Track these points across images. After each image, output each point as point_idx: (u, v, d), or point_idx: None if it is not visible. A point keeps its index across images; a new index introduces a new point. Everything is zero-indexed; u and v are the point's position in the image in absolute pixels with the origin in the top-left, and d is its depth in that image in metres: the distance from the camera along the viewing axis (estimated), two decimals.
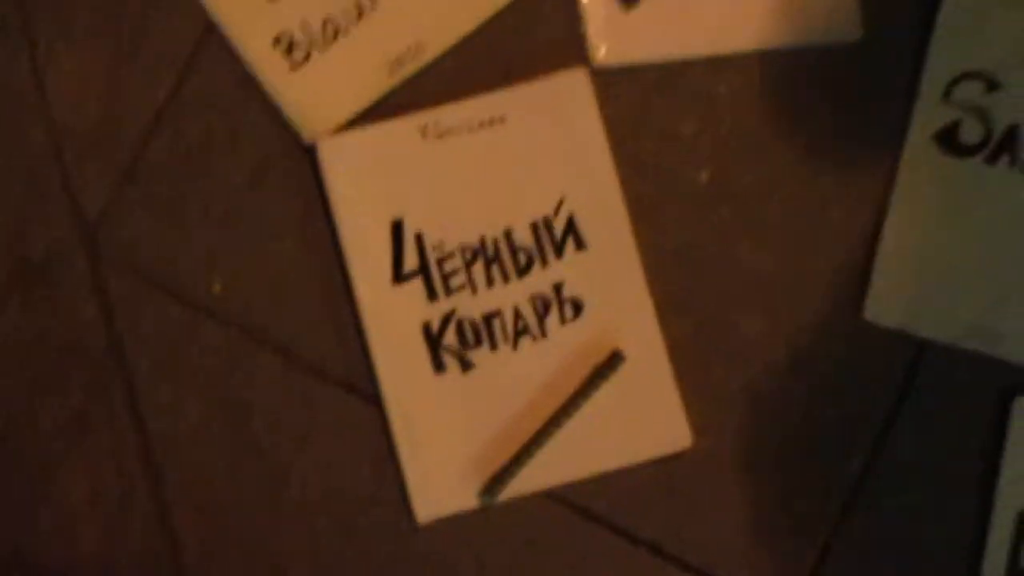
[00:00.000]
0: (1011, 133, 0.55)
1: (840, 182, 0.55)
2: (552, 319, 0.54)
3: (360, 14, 0.56)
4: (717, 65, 0.56)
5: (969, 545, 0.53)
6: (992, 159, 0.55)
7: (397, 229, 0.54)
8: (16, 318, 0.59)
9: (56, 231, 0.58)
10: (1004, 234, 0.55)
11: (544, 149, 0.54)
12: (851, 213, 0.55)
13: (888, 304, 0.55)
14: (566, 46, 0.56)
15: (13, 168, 0.59)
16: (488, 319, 0.54)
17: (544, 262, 0.55)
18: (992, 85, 0.55)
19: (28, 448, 0.59)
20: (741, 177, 0.56)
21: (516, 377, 0.54)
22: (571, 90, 0.54)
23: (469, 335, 0.54)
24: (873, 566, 0.54)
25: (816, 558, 0.54)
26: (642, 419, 0.53)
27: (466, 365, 0.54)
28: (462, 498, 0.53)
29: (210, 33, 0.57)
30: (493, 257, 0.55)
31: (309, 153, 0.55)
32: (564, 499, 0.54)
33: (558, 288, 0.55)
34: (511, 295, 0.55)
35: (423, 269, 0.54)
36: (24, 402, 0.59)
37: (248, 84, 0.56)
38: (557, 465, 0.53)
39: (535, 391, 0.54)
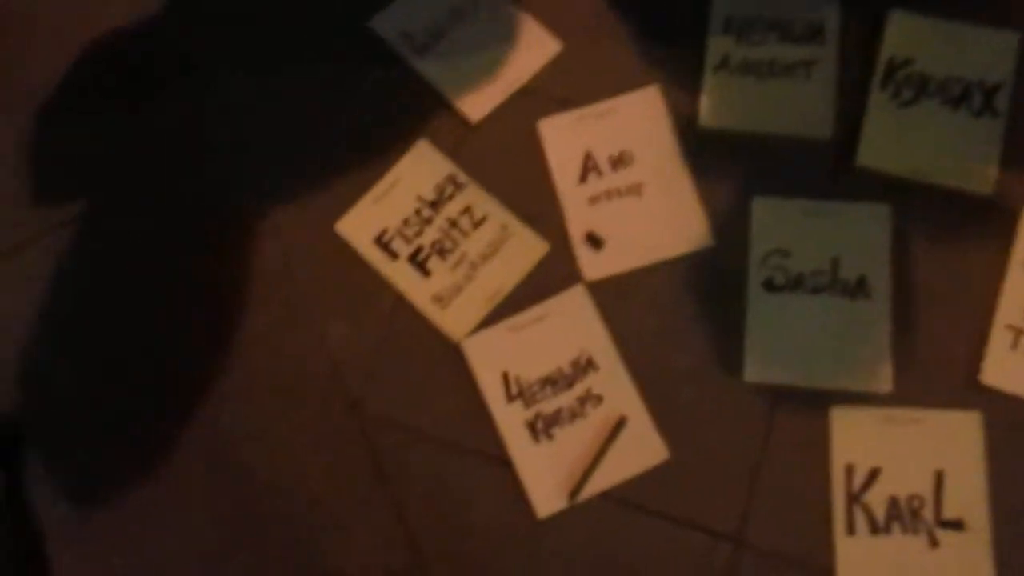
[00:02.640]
0: (799, 278, 1.10)
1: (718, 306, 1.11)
2: (589, 407, 1.09)
3: (472, 274, 1.15)
4: (656, 269, 1.13)
5: None
6: (793, 289, 1.10)
7: (505, 377, 1.11)
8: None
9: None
10: (813, 316, 1.09)
11: (572, 332, 1.11)
12: (722, 330, 1.10)
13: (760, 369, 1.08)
14: (573, 273, 1.14)
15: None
16: (558, 412, 1.09)
17: (582, 380, 1.11)
18: (785, 255, 1.11)
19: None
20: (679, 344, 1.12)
21: (576, 440, 1.09)
22: (576, 299, 1.12)
23: (551, 422, 1.09)
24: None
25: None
26: (637, 448, 1.07)
27: (550, 437, 1.09)
28: (559, 501, 1.07)
29: (401, 299, 1.17)
30: (556, 381, 1.11)
31: (458, 348, 1.14)
32: (611, 496, 1.07)
33: (590, 391, 1.10)
34: (567, 399, 1.10)
35: (520, 394, 1.11)
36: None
37: (419, 318, 1.15)
38: (602, 479, 1.07)
39: (587, 444, 1.08)
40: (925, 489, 1.02)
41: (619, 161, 1.17)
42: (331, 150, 1.24)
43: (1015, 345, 1.05)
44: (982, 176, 1.10)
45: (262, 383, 1.17)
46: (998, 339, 1.05)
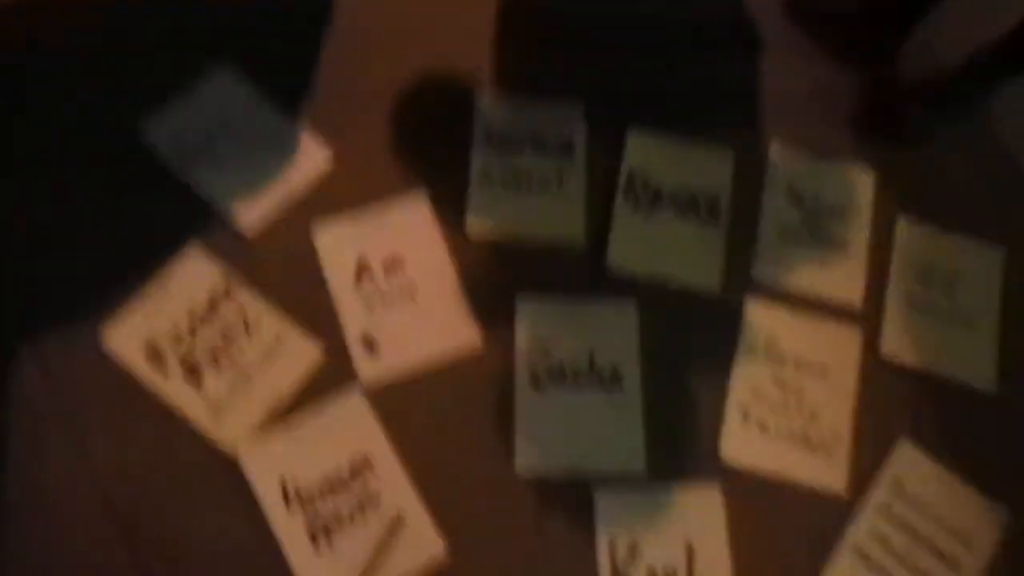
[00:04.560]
0: (560, 372, 1.19)
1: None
2: (368, 509, 1.11)
3: (247, 381, 1.15)
4: (430, 370, 1.18)
5: None
6: (556, 384, 1.19)
7: (283, 484, 1.11)
8: None
9: None
10: (574, 407, 1.18)
11: (349, 435, 1.13)
12: (493, 424, 1.16)
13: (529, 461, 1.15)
14: (350, 375, 1.17)
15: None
16: (337, 516, 1.10)
17: (360, 482, 1.12)
18: (546, 352, 1.20)
19: None
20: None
21: (356, 543, 1.10)
22: (352, 402, 1.15)
23: (330, 528, 1.10)
24: None
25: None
26: (415, 546, 1.10)
27: (330, 543, 1.09)
28: None
29: (172, 411, 1.14)
30: (335, 485, 1.12)
31: (234, 459, 1.12)
32: None
33: (368, 492, 1.12)
34: (345, 501, 1.11)
35: (299, 500, 1.11)
36: None
37: (192, 430, 1.13)
38: None
39: (367, 546, 1.10)
40: (679, 560, 1.13)
41: (392, 265, 1.22)
42: (101, 258, 1.21)
43: (745, 423, 1.19)
44: (709, 276, 1.26)
45: (30, 517, 1.09)
46: (731, 419, 1.19)
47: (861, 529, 1.16)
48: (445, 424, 1.16)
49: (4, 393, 1.13)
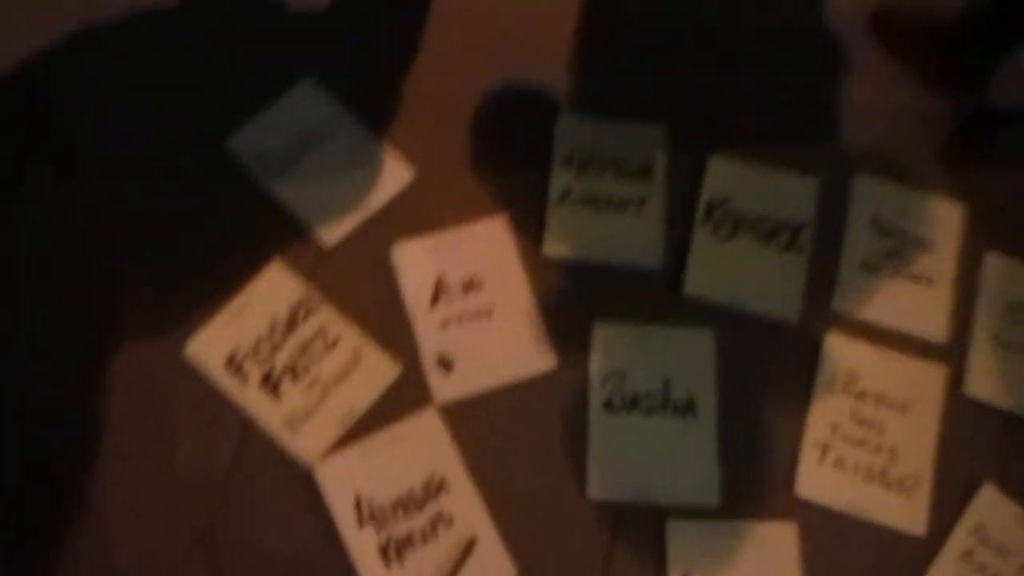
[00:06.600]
0: (635, 399, 1.19)
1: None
2: (440, 528, 1.12)
3: (324, 396, 1.17)
4: (505, 391, 1.18)
5: None
6: (630, 410, 1.18)
7: (358, 501, 1.12)
8: None
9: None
10: (648, 435, 1.17)
11: (424, 455, 1.14)
12: (566, 449, 1.16)
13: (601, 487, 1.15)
14: (425, 395, 1.18)
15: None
16: (410, 535, 1.11)
17: (434, 502, 1.13)
18: (622, 377, 1.19)
19: None
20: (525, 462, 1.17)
21: (428, 563, 1.10)
22: (427, 421, 1.15)
23: (402, 546, 1.11)
24: None
25: None
26: (487, 569, 1.10)
27: (402, 561, 1.10)
28: None
29: (252, 421, 1.16)
30: (408, 504, 1.13)
31: (310, 472, 1.14)
32: None
33: (441, 513, 1.13)
34: (419, 521, 1.12)
35: (372, 518, 1.12)
36: None
37: (270, 441, 1.15)
38: None
39: (439, 567, 1.10)
40: None
41: (469, 286, 1.23)
42: (185, 268, 1.24)
43: (823, 459, 1.17)
44: (789, 306, 1.24)
45: (107, 508, 1.13)
46: (808, 455, 1.17)
47: (941, 575, 1.12)
48: (518, 446, 1.16)
49: (90, 400, 1.16)
